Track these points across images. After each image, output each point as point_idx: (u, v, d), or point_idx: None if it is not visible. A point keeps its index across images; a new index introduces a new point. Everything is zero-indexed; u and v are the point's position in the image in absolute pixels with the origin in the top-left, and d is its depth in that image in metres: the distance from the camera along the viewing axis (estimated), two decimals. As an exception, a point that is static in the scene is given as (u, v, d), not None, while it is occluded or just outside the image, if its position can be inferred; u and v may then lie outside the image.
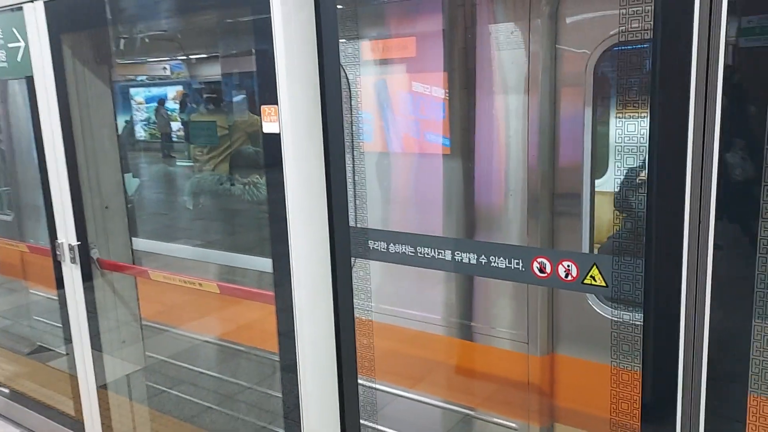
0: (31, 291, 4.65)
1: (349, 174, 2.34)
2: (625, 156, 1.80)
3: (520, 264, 1.96)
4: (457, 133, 2.63)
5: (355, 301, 2.40)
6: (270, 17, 2.12)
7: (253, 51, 2.25)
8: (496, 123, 2.49)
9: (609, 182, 2.12)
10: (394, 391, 2.80)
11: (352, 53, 2.33)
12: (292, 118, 2.18)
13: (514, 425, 2.64)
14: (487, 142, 2.55)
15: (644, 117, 1.67)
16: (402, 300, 2.78)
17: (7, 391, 4.12)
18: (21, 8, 2.98)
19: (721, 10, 1.47)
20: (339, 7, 2.19)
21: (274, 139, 2.22)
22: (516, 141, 2.42)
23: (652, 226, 1.68)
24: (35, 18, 2.93)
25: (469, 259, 2.06)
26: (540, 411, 2.57)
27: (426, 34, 2.61)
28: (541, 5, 2.27)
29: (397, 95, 2.74)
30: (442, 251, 2.12)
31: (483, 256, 2.03)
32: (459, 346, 2.83)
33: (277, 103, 2.18)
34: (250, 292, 2.84)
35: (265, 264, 2.55)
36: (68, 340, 3.39)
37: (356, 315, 2.41)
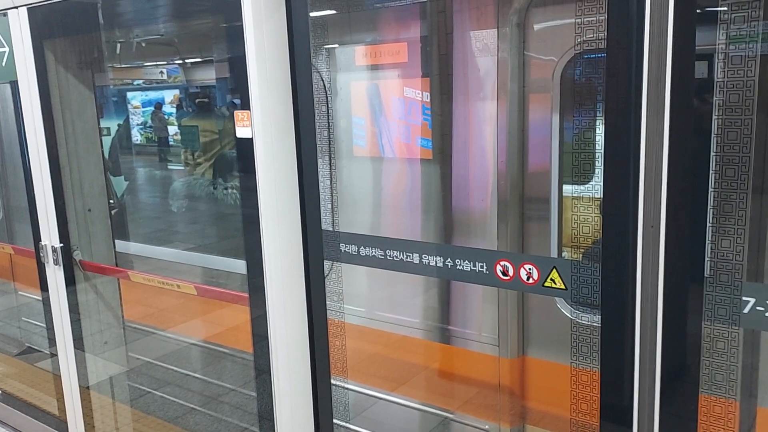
0: (20, 293, 4.69)
1: (326, 178, 2.37)
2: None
3: (484, 267, 1.99)
4: (438, 139, 2.66)
5: (328, 303, 2.43)
6: (242, 24, 2.15)
7: (226, 57, 2.28)
8: (467, 130, 2.53)
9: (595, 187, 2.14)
10: (367, 392, 2.83)
11: (326, 59, 2.37)
12: (263, 122, 2.22)
13: (486, 427, 2.67)
14: (462, 148, 2.59)
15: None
16: (376, 303, 2.82)
17: None
18: (6, 14, 3.03)
19: (668, 18, 1.51)
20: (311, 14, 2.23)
21: (248, 144, 2.25)
22: (486, 146, 2.45)
23: (608, 231, 1.71)
24: (19, 23, 2.97)
25: (436, 262, 2.10)
26: (511, 412, 2.60)
27: (398, 41, 2.65)
28: (509, 14, 2.31)
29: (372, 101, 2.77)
30: (410, 254, 2.16)
31: (449, 259, 2.07)
32: (432, 348, 2.86)
33: (249, 108, 2.22)
34: (225, 294, 2.87)
35: (240, 266, 2.58)
36: (53, 341, 3.42)
37: (329, 317, 2.44)
